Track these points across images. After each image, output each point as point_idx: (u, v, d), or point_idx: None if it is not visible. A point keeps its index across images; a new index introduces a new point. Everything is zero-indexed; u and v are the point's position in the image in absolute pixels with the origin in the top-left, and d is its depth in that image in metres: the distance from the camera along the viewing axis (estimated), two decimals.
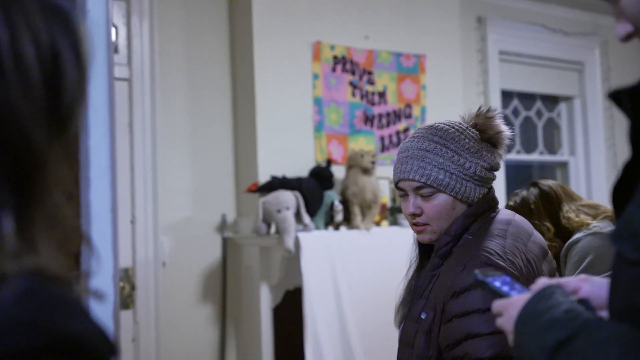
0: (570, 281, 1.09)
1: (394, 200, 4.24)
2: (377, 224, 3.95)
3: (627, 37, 0.96)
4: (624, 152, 5.58)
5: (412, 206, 1.73)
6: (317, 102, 4.06)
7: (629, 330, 0.82)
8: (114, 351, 0.59)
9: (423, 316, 1.67)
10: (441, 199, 1.71)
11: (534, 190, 2.69)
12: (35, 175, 0.63)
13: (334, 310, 3.71)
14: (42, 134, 0.62)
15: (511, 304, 1.02)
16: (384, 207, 4.05)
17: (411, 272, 1.90)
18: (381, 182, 4.06)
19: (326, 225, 3.86)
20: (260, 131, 3.92)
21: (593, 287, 1.07)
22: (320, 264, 3.65)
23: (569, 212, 2.58)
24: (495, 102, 5.02)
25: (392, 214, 4.14)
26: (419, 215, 1.73)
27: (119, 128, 3.74)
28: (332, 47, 4.12)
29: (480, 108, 1.81)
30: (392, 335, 1.96)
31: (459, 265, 1.64)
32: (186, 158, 4.00)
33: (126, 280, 3.78)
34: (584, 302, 0.96)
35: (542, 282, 1.03)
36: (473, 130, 1.77)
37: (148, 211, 3.85)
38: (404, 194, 1.78)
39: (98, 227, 1.18)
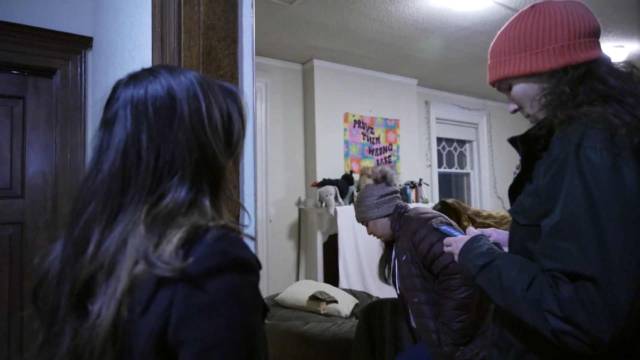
0: (487, 230, 1.04)
1: None
2: None
3: (514, 111, 0.94)
4: (499, 169, 5.93)
5: (369, 231, 1.81)
6: (346, 142, 4.21)
7: (522, 258, 0.80)
8: (260, 265, 0.57)
9: (404, 257, 1.65)
10: (370, 224, 1.78)
11: (440, 205, 2.45)
12: (220, 177, 0.61)
13: (353, 244, 3.80)
14: (223, 156, 0.61)
15: (457, 240, 0.97)
16: None
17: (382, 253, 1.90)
18: None
19: (349, 203, 3.88)
20: (318, 156, 4.02)
21: (499, 235, 1.02)
22: (347, 222, 3.73)
23: (466, 217, 2.36)
24: (433, 143, 5.07)
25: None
26: (372, 234, 1.81)
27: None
28: (354, 115, 4.26)
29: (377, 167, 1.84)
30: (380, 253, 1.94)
31: (412, 229, 1.62)
32: (282, 170, 4.05)
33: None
34: (496, 244, 0.92)
35: (474, 231, 0.98)
36: (370, 182, 1.82)
37: (263, 195, 3.92)
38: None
39: (248, 202, 1.13)
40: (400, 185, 4.52)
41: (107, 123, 0.59)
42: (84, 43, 2.30)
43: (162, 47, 0.95)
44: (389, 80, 4.59)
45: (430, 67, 4.44)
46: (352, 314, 2.76)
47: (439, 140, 5.41)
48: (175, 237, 0.53)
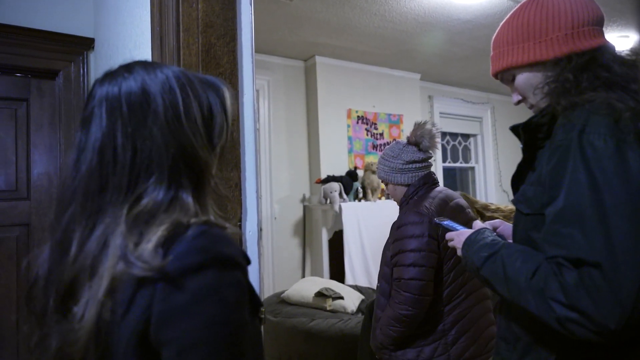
0: (494, 222, 1.02)
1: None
2: (379, 198, 4.01)
3: (518, 102, 0.94)
4: (504, 163, 5.90)
5: (387, 191, 1.67)
6: (349, 138, 4.19)
7: (526, 248, 0.79)
8: (248, 260, 0.56)
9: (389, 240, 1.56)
10: (389, 186, 1.63)
11: None
12: (202, 172, 0.60)
13: (358, 240, 3.78)
14: (205, 151, 0.60)
15: (460, 234, 0.96)
16: (382, 190, 4.05)
17: None
18: None
19: (354, 199, 3.91)
20: (321, 153, 4.01)
21: (504, 226, 1.01)
22: (351, 218, 3.75)
23: (474, 210, 2.26)
24: (437, 137, 5.18)
25: (386, 194, 4.02)
26: (391, 197, 1.66)
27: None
28: (357, 111, 4.24)
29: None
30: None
31: (399, 217, 1.53)
32: (286, 167, 4.05)
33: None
34: (500, 236, 0.91)
35: (479, 224, 0.97)
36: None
37: (268, 193, 3.92)
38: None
39: (250, 199, 1.09)
40: None
41: (84, 122, 0.59)
42: (86, 44, 2.31)
43: (162, 45, 0.95)
44: (391, 76, 4.57)
45: (433, 61, 4.42)
46: (358, 309, 2.76)
47: (443, 134, 5.38)
48: (154, 236, 0.53)
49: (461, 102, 5.43)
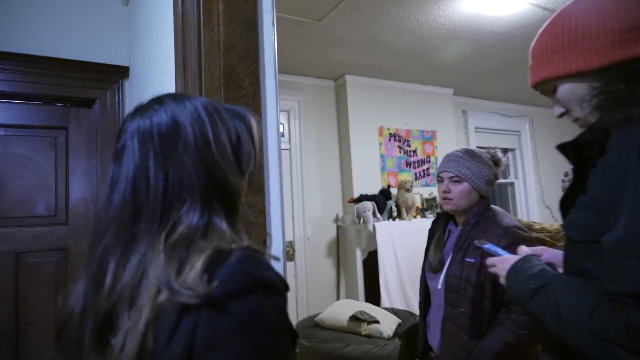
0: (537, 249, 0.96)
1: (423, 204, 4.22)
2: (414, 217, 3.94)
3: (561, 115, 0.87)
4: (546, 177, 5.66)
5: (445, 186, 1.53)
6: (382, 156, 4.12)
7: (580, 280, 0.73)
8: (287, 287, 0.56)
9: (472, 260, 1.39)
10: (464, 185, 1.49)
11: None
12: (234, 198, 0.61)
13: (394, 261, 3.71)
14: (235, 177, 0.61)
15: (503, 260, 0.89)
16: (417, 208, 4.04)
17: (436, 238, 1.59)
18: (416, 196, 4.06)
19: (388, 218, 3.85)
20: (354, 171, 3.96)
21: (550, 254, 0.94)
22: (386, 237, 3.68)
23: None
24: None
25: (421, 212, 4.10)
26: (449, 192, 1.51)
27: (284, 174, 3.86)
28: (389, 129, 4.19)
29: (494, 147, 1.61)
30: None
31: (498, 230, 1.40)
32: (318, 187, 4.02)
33: (290, 247, 3.79)
34: (549, 264, 0.84)
35: (525, 250, 0.91)
36: (489, 155, 1.55)
37: (300, 213, 3.91)
38: (441, 180, 1.56)
39: (275, 226, 1.02)
40: None
41: (117, 155, 0.60)
42: (121, 72, 2.38)
43: (185, 70, 0.95)
44: (423, 92, 4.51)
45: (466, 76, 4.32)
46: (395, 334, 2.66)
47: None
48: (198, 262, 0.53)
49: (497, 115, 5.29)
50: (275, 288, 0.54)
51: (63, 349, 0.60)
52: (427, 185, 4.42)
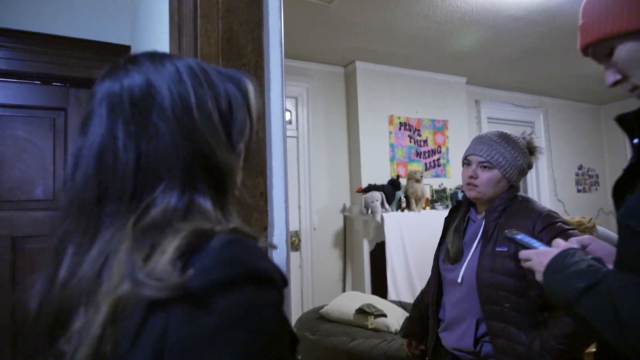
0: (582, 238, 0.86)
1: (432, 196, 4.12)
2: (424, 208, 3.86)
3: (615, 84, 0.78)
4: (559, 170, 5.46)
5: (472, 171, 1.37)
6: (391, 146, 4.03)
7: (638, 278, 0.65)
8: (285, 281, 0.48)
9: (504, 249, 1.26)
10: (494, 173, 1.35)
11: None
12: (223, 175, 0.52)
13: (402, 253, 3.63)
14: (222, 150, 0.51)
15: (540, 253, 0.80)
16: (427, 199, 3.95)
17: (453, 226, 1.45)
18: (425, 187, 3.95)
19: (397, 209, 3.77)
20: (362, 161, 3.87)
21: (597, 246, 0.85)
22: (394, 229, 3.60)
23: None
24: None
25: (431, 204, 4.02)
26: (475, 178, 1.37)
27: (290, 162, 3.77)
28: (399, 117, 4.08)
29: (530, 132, 1.47)
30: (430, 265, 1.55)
31: (532, 214, 1.28)
32: (325, 176, 3.93)
33: (296, 237, 3.78)
34: (598, 259, 0.75)
35: (563, 243, 0.81)
36: (524, 142, 1.42)
37: (307, 203, 3.84)
38: (468, 164, 1.41)
39: (278, 210, 0.92)
40: (450, 190, 4.27)
41: (83, 124, 0.51)
42: (123, 52, 2.28)
43: (180, 36, 0.85)
44: (435, 80, 4.37)
45: (480, 64, 4.17)
46: (402, 328, 2.55)
47: None
48: (170, 246, 0.43)
49: (511, 106, 5.14)
50: (271, 281, 0.44)
51: (19, 355, 0.50)
52: (437, 176, 4.30)
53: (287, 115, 3.95)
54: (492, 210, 1.35)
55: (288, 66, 3.85)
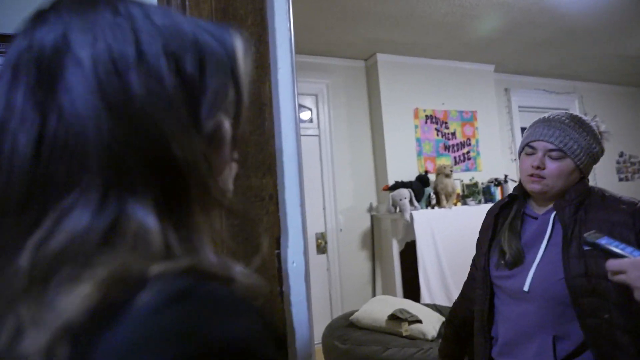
0: None
1: (463, 191, 3.93)
2: (455, 204, 3.70)
3: None
4: None
5: (538, 160, 1.15)
6: (418, 140, 3.86)
7: None
8: (281, 346, 0.32)
9: (588, 248, 1.02)
10: (566, 163, 1.14)
11: None
12: (180, 175, 0.34)
13: (434, 252, 3.48)
14: (181, 135, 0.34)
15: (636, 264, 0.69)
16: (458, 195, 3.79)
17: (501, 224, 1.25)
18: (456, 182, 3.78)
19: (426, 206, 3.62)
20: (388, 157, 3.73)
21: None
22: (424, 227, 3.45)
23: None
24: (517, 134, 4.59)
25: (462, 199, 3.85)
26: (543, 169, 1.15)
27: (313, 162, 3.71)
28: (424, 110, 3.92)
29: (595, 117, 1.25)
30: (467, 264, 1.40)
31: (621, 206, 1.08)
32: (350, 175, 3.81)
33: (322, 239, 3.69)
34: None
35: None
36: (596, 125, 1.20)
37: (332, 203, 3.74)
38: (532, 152, 1.17)
39: (292, 218, 0.76)
40: (482, 184, 4.04)
41: None
42: None
43: (168, 5, 0.70)
44: (462, 69, 4.16)
45: (509, 49, 3.93)
46: (439, 335, 2.37)
47: (524, 130, 4.81)
48: (56, 315, 0.26)
49: (543, 93, 4.87)
50: (251, 356, 0.27)
51: None
52: (467, 170, 4.09)
53: (308, 114, 3.83)
54: (564, 204, 1.12)
55: (306, 63, 3.74)
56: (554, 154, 1.14)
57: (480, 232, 1.33)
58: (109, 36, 0.33)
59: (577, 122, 1.16)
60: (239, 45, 0.40)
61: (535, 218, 1.20)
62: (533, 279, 1.11)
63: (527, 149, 1.20)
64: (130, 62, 0.33)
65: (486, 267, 1.24)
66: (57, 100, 0.31)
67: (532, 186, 1.17)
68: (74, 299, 0.26)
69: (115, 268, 0.28)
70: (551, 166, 1.14)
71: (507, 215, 1.25)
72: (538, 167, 1.14)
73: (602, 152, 1.19)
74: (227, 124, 0.38)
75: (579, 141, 1.14)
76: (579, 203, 1.12)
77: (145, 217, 0.31)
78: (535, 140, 1.17)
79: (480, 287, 1.26)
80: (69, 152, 0.31)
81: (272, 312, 0.64)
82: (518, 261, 1.15)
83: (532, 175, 1.16)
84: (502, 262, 1.18)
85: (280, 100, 0.70)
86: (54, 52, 0.32)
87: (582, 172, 1.16)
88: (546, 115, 1.21)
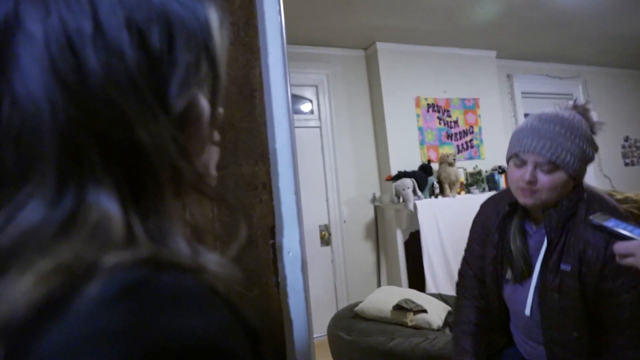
0: None
1: (467, 179, 3.89)
2: (458, 193, 3.66)
3: None
4: (602, 144, 4.96)
5: (529, 175, 1.07)
6: (420, 129, 3.82)
7: None
8: (255, 341, 0.30)
9: (568, 268, 1.05)
10: (559, 175, 1.07)
11: None
12: (144, 159, 0.31)
13: (438, 242, 3.46)
14: (145, 118, 0.31)
15: None
16: (462, 184, 3.74)
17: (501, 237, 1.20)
18: (459, 170, 3.74)
19: (430, 195, 3.59)
20: (390, 146, 3.69)
21: None
22: (428, 216, 3.42)
23: None
24: (520, 121, 4.32)
25: (466, 187, 3.80)
26: (535, 183, 1.08)
27: (315, 153, 3.69)
28: (426, 99, 3.87)
29: (575, 100, 1.16)
30: None
31: (608, 207, 1.07)
32: (352, 166, 3.78)
33: (326, 230, 3.67)
34: None
35: None
36: (583, 120, 1.11)
37: (334, 194, 3.71)
38: (523, 163, 1.09)
39: (286, 208, 0.75)
40: (485, 172, 4.01)
41: None
42: None
43: None
44: (462, 56, 4.09)
45: (510, 34, 3.86)
46: (446, 324, 2.35)
47: (526, 116, 4.76)
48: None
49: (546, 78, 4.80)
50: (213, 352, 0.25)
51: None
52: (471, 158, 4.05)
53: (308, 105, 3.80)
54: (554, 217, 1.08)
55: (306, 53, 3.70)
56: (545, 167, 1.07)
57: (474, 230, 1.31)
58: (62, 7, 0.30)
59: (567, 128, 1.07)
60: (214, 16, 0.36)
61: (532, 234, 1.18)
62: (533, 301, 1.11)
63: (515, 159, 1.12)
64: (86, 37, 0.29)
65: (497, 282, 1.21)
66: (9, 81, 0.29)
67: (524, 200, 1.11)
68: (14, 294, 0.24)
69: (62, 260, 0.26)
70: (543, 180, 1.07)
71: (512, 226, 1.20)
72: (531, 182, 1.08)
73: (596, 150, 1.12)
74: (203, 102, 0.35)
75: (571, 150, 1.05)
76: (570, 216, 1.08)
77: (108, 205, 0.29)
78: (524, 152, 1.09)
79: (491, 303, 1.25)
80: (23, 139, 0.28)
81: (269, 303, 0.62)
82: (526, 274, 1.14)
83: (523, 189, 1.10)
84: (512, 276, 1.17)
85: (271, 86, 0.67)
86: (4, 28, 0.29)
87: (576, 179, 1.10)
88: (534, 121, 1.11)
